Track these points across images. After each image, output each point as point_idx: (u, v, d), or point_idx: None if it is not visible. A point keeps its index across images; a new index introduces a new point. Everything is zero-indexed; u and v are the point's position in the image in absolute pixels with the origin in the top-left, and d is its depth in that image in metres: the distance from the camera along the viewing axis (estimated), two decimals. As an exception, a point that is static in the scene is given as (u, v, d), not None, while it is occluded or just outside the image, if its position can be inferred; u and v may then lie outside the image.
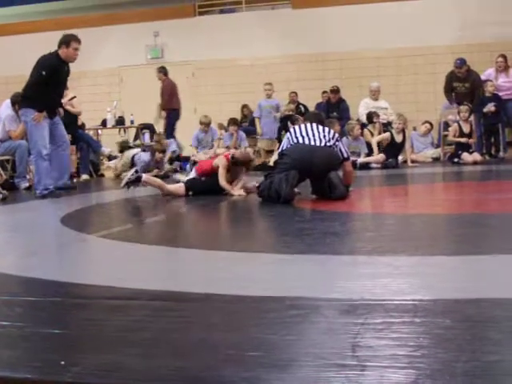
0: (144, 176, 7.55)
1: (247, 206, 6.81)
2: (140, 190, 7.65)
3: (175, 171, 11.27)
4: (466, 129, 11.35)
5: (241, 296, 2.71)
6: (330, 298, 2.59)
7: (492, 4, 13.53)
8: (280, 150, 6.90)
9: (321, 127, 6.69)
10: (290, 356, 1.94)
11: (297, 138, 6.60)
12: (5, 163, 10.11)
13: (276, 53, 14.83)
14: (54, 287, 3.08)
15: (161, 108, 12.84)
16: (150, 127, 12.88)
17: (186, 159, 12.31)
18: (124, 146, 11.79)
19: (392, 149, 11.18)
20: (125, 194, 7.78)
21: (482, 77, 12.19)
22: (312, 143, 6.50)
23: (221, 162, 7.44)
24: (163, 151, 10.76)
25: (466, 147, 11.25)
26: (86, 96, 13.56)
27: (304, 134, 6.59)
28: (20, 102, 8.57)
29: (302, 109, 13.26)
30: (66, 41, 8.11)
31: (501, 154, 11.81)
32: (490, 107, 11.63)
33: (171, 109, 12.77)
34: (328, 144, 6.53)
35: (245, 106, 14.41)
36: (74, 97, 10.72)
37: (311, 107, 13.28)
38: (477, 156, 11.12)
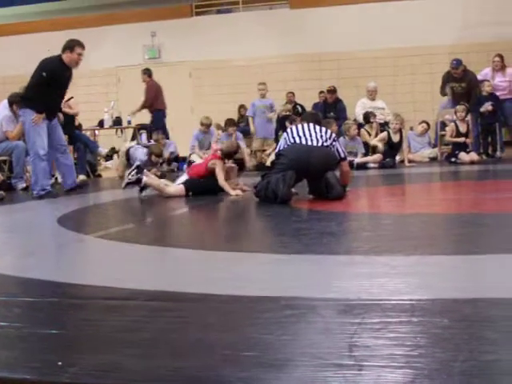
0: (145, 178, 7.54)
1: (244, 206, 6.81)
2: (138, 190, 7.63)
3: (172, 171, 11.28)
4: (462, 128, 11.37)
5: (237, 296, 2.71)
6: (326, 297, 2.59)
7: (489, 4, 13.57)
8: (277, 150, 6.90)
9: (318, 127, 6.69)
10: (287, 356, 1.94)
11: (294, 138, 6.60)
12: (2, 164, 10.12)
13: (273, 53, 14.84)
14: (51, 288, 3.07)
15: (141, 108, 12.93)
16: (147, 127, 12.88)
17: (183, 160, 12.32)
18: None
19: (389, 149, 11.19)
20: (122, 195, 7.77)
21: (479, 77, 12.22)
22: (309, 143, 6.50)
23: (216, 164, 7.45)
24: (159, 155, 10.74)
25: (463, 147, 11.26)
26: (83, 96, 13.55)
27: (301, 134, 6.59)
28: (19, 102, 8.56)
29: (299, 109, 13.27)
30: (71, 46, 8.11)
31: (498, 153, 11.83)
32: (487, 107, 11.64)
33: (156, 109, 12.87)
34: (325, 144, 6.54)
35: (242, 106, 14.41)
36: (72, 97, 10.71)
37: (308, 107, 13.30)
38: (474, 156, 11.14)
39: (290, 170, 6.35)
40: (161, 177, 9.09)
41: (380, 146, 11.21)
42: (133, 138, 12.92)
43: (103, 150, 11.98)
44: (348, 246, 4.07)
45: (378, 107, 12.66)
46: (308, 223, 5.24)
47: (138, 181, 7.48)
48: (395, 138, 11.17)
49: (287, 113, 12.23)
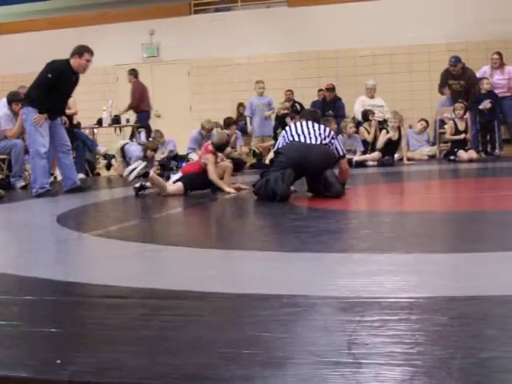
0: (151, 173, 7.55)
1: (243, 204, 6.81)
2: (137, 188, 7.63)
3: (171, 170, 11.27)
4: (461, 126, 11.37)
5: (236, 294, 2.72)
6: (325, 295, 2.59)
7: (488, 2, 13.57)
8: (276, 148, 6.90)
9: (316, 125, 6.69)
10: (286, 354, 1.94)
11: (292, 136, 6.60)
12: (0, 162, 10.11)
13: (271, 51, 14.83)
14: (50, 286, 3.08)
15: (128, 109, 13.00)
16: (145, 126, 12.87)
17: (182, 158, 12.29)
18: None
19: (388, 146, 11.19)
20: (121, 193, 7.77)
21: (478, 74, 12.23)
22: (308, 141, 6.50)
23: (208, 159, 7.44)
24: (154, 150, 10.72)
25: (461, 145, 11.27)
26: (81, 95, 13.50)
27: (300, 132, 6.59)
28: (23, 100, 8.56)
29: (298, 107, 13.26)
30: (80, 51, 8.13)
31: (496, 151, 11.83)
32: (486, 104, 11.65)
33: (141, 110, 12.92)
34: (324, 142, 6.54)
35: (240, 105, 14.39)
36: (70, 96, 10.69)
37: (307, 105, 13.28)
38: (472, 153, 11.14)
39: (288, 168, 6.36)
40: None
41: (381, 142, 11.20)
42: (131, 137, 12.91)
43: (102, 148, 11.95)
44: (347, 244, 4.07)
45: (377, 105, 12.65)
46: (307, 221, 5.24)
47: (146, 174, 7.48)
48: (394, 136, 11.17)
49: (285, 111, 12.22)
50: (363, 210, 6.21)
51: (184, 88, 15.44)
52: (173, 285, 2.94)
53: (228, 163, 7.66)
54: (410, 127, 13.10)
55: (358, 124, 12.14)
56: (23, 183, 9.63)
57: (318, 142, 6.51)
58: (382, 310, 2.36)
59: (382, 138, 11.15)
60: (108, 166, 11.70)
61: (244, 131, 13.29)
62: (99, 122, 12.96)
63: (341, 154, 6.79)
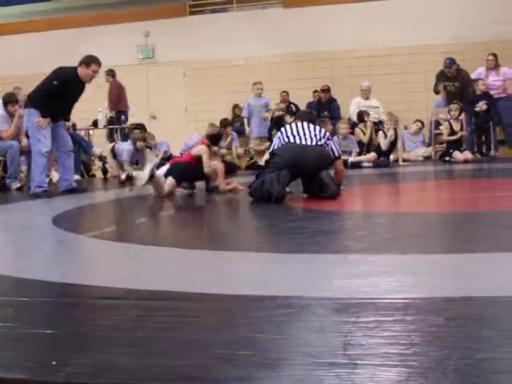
0: (156, 171, 7.56)
1: (238, 205, 6.81)
2: (132, 190, 7.63)
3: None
4: (456, 127, 11.39)
5: (232, 295, 2.71)
6: (320, 296, 2.59)
7: (483, 3, 13.58)
8: (271, 149, 6.90)
9: (312, 126, 6.69)
10: (281, 355, 1.94)
11: (288, 137, 6.60)
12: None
13: (267, 52, 14.83)
14: (45, 287, 3.07)
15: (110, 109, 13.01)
16: (141, 127, 12.85)
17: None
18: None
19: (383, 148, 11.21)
20: (116, 195, 7.76)
21: (473, 76, 12.25)
22: (303, 142, 6.50)
23: (203, 151, 7.43)
24: (144, 139, 10.69)
25: (457, 146, 11.28)
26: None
27: (295, 133, 6.59)
28: (26, 101, 8.55)
29: (293, 108, 13.26)
30: (87, 61, 8.17)
31: (492, 152, 11.84)
32: (482, 106, 11.66)
33: (119, 111, 12.91)
34: (319, 143, 6.54)
35: (236, 106, 14.38)
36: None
37: (302, 107, 13.27)
38: (468, 154, 11.17)
39: (284, 169, 6.36)
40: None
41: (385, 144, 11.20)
42: (125, 138, 12.90)
43: (97, 150, 11.93)
44: (342, 245, 4.07)
45: (373, 106, 12.67)
46: (302, 222, 5.24)
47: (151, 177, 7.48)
48: (391, 137, 11.18)
49: (280, 112, 12.21)
50: (358, 211, 6.21)
51: (179, 89, 15.44)
52: (168, 286, 2.94)
53: (219, 164, 7.63)
54: (406, 128, 13.11)
55: (353, 125, 12.15)
56: (18, 184, 9.62)
57: (314, 143, 6.51)
58: (378, 310, 2.36)
59: (384, 141, 11.16)
60: (104, 171, 11.67)
61: (240, 132, 13.29)
62: (94, 124, 12.94)
63: (336, 154, 6.79)
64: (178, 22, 15.36)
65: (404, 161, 11.45)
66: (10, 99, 9.80)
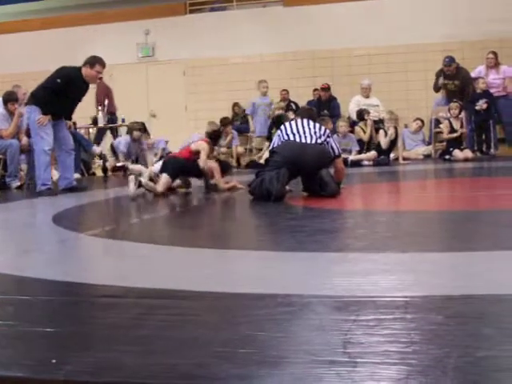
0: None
1: (238, 203, 6.81)
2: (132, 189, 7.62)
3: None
4: (456, 126, 11.39)
5: (232, 293, 2.71)
6: (321, 294, 2.59)
7: (483, 1, 13.57)
8: (271, 147, 6.89)
9: (312, 123, 6.68)
10: (282, 353, 1.94)
11: (287, 135, 6.60)
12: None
13: (267, 51, 14.83)
14: (45, 286, 3.07)
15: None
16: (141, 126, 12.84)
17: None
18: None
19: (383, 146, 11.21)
20: (116, 193, 7.76)
21: (472, 74, 12.25)
22: (303, 140, 6.50)
23: (202, 147, 7.40)
24: (139, 129, 10.65)
25: (457, 144, 11.28)
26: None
27: (295, 130, 6.58)
28: (28, 98, 8.55)
29: (294, 106, 13.26)
30: (92, 62, 8.17)
31: (492, 150, 11.85)
32: (482, 104, 11.66)
33: (107, 113, 12.91)
34: (319, 141, 6.53)
35: (236, 104, 14.38)
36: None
37: (302, 105, 13.26)
38: (468, 153, 11.17)
39: (283, 168, 6.36)
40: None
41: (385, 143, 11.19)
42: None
43: (97, 148, 11.93)
44: (342, 244, 4.07)
45: (373, 104, 12.67)
46: (302, 220, 5.24)
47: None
48: (392, 135, 11.18)
49: (280, 111, 12.21)
50: (359, 209, 6.21)
51: (179, 88, 15.43)
52: (168, 284, 2.94)
53: (213, 163, 7.60)
54: (406, 127, 13.11)
55: (353, 123, 12.15)
56: (18, 183, 9.63)
57: (313, 141, 6.50)
58: (378, 309, 2.36)
59: (384, 139, 11.15)
60: (104, 170, 11.67)
61: (240, 131, 13.29)
62: (94, 122, 12.95)
63: (336, 153, 6.78)
64: (178, 21, 15.36)
65: (404, 159, 11.45)
66: (10, 97, 9.80)
